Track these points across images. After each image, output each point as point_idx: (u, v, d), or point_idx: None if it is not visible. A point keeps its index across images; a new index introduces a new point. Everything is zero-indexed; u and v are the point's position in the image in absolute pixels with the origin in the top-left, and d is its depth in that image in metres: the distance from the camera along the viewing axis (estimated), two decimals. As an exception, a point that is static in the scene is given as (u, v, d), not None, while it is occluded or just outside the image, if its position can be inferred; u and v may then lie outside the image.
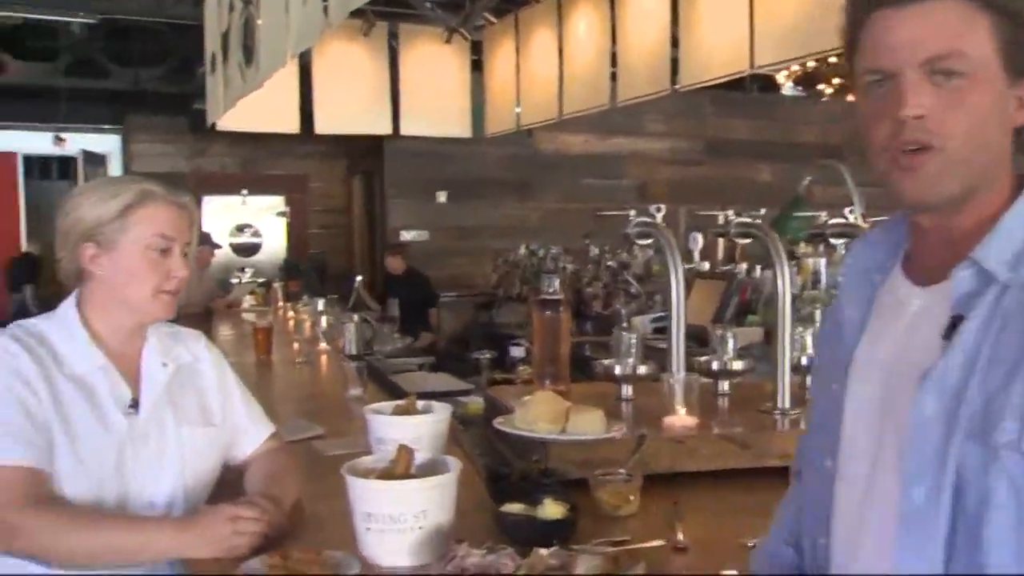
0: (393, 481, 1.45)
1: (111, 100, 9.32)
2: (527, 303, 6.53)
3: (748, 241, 2.30)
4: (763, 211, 2.34)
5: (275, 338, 4.21)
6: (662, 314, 5.00)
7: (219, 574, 1.45)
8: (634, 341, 2.28)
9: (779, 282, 2.13)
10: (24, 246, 9.33)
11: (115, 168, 9.95)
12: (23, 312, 7.81)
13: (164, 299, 1.70)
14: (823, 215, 2.39)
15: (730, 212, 2.36)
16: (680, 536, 1.54)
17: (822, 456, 1.10)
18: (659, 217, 2.25)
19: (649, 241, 2.28)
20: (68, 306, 1.72)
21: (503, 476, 1.76)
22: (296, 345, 4.11)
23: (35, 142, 9.56)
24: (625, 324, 4.78)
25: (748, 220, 2.27)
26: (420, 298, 7.15)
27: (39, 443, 1.55)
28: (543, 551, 1.39)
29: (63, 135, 9.40)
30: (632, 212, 2.28)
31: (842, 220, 2.32)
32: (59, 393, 1.61)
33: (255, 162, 10.34)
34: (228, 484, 1.83)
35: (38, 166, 10.44)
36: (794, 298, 4.57)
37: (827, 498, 1.08)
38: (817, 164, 5.83)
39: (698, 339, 3.61)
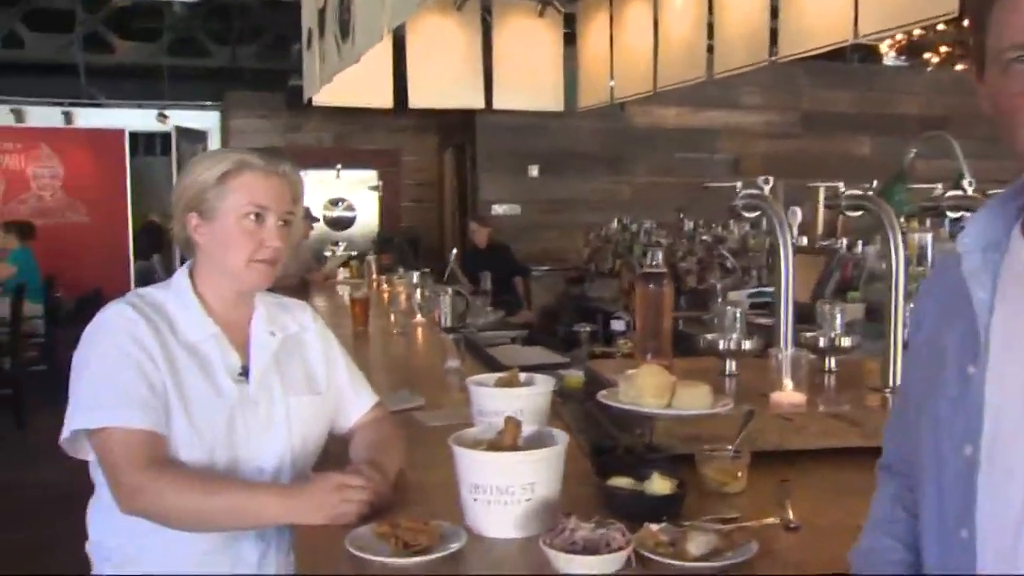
0: (502, 453, 1.45)
1: (211, 77, 9.57)
2: (620, 278, 6.48)
3: (857, 214, 2.22)
4: (874, 183, 2.26)
5: (371, 310, 4.26)
6: (759, 289, 4.91)
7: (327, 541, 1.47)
8: (739, 315, 2.24)
9: (892, 256, 2.07)
10: (130, 219, 9.64)
11: (214, 144, 10.18)
12: (147, 279, 8.14)
13: (259, 268, 1.71)
14: (938, 187, 2.31)
15: (840, 184, 2.29)
16: (790, 515, 1.51)
17: (958, 444, 1.02)
18: (767, 190, 2.20)
19: (756, 214, 2.23)
20: (181, 275, 1.77)
21: (607, 450, 1.75)
22: (392, 317, 4.16)
23: (140, 119, 9.85)
24: (720, 299, 4.71)
25: (859, 192, 2.20)
26: (506, 271, 7.15)
27: (157, 408, 1.59)
28: (653, 527, 1.37)
29: (166, 112, 9.67)
30: (739, 184, 2.23)
31: (959, 193, 2.23)
32: (174, 360, 1.65)
33: (349, 137, 10.47)
34: (333, 455, 1.86)
35: (143, 142, 10.78)
36: (898, 274, 4.42)
37: (966, 488, 1.01)
38: (922, 137, 5.63)
39: (798, 315, 3.54)
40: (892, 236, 2.08)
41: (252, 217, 1.69)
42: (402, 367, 3.30)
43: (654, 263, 2.26)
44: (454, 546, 1.37)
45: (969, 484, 1.01)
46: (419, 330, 4.11)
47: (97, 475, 1.69)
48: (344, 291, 5.84)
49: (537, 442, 1.53)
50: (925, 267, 3.83)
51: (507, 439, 1.48)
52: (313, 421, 1.81)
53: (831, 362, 2.31)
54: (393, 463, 1.75)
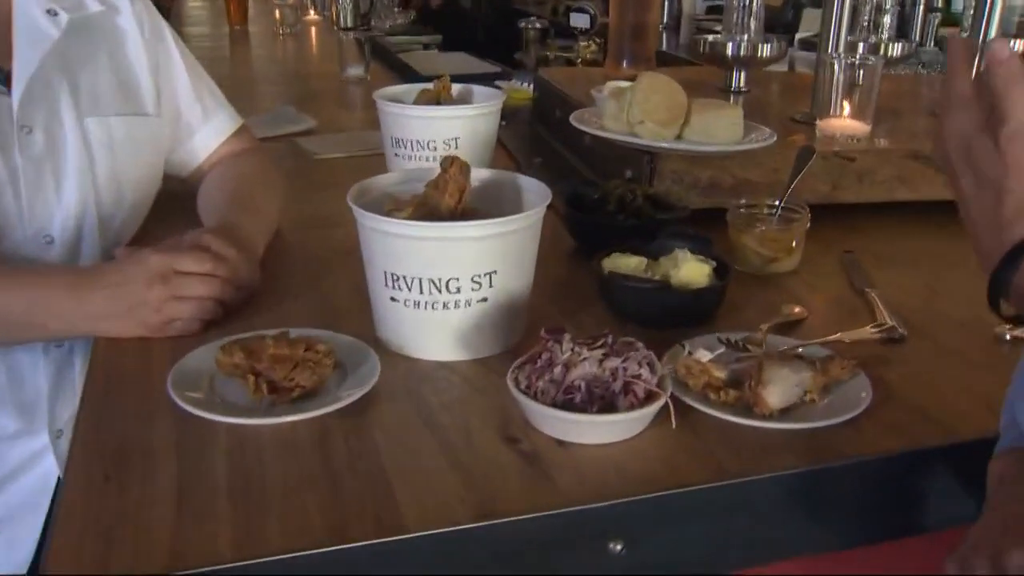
0: (438, 223, 0.83)
1: None
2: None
3: None
4: None
5: (253, 5, 3.47)
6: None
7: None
8: (756, 7, 1.60)
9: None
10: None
11: None
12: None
13: None
14: None
15: None
16: (885, 316, 0.96)
17: None
18: None
19: None
20: None
21: (588, 204, 1.15)
22: (278, 13, 3.34)
23: None
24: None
25: None
26: None
27: None
28: (703, 355, 0.80)
29: None
30: None
31: None
32: None
33: None
34: (177, 204, 1.23)
35: None
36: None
37: None
38: None
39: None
40: None
41: None
42: (289, 77, 2.59)
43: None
44: (352, 393, 0.77)
45: None
46: (313, 31, 3.35)
47: None
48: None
49: (492, 197, 0.92)
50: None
51: (447, 197, 0.86)
52: (132, 159, 1.15)
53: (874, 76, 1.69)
54: (262, 225, 1.12)
